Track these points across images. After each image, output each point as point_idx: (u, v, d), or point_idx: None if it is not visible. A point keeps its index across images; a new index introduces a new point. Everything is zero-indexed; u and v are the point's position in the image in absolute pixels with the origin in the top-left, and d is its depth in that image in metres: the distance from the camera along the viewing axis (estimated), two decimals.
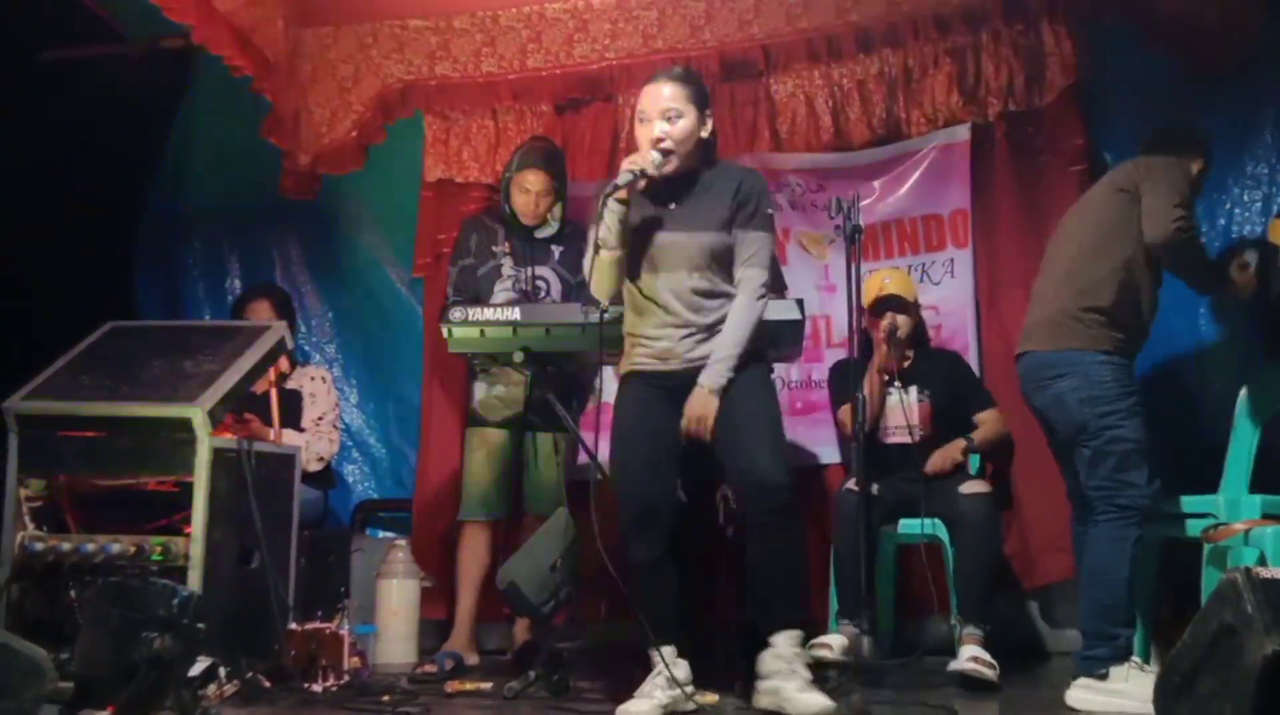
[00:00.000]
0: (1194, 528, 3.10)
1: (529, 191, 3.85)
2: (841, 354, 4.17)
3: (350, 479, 4.92)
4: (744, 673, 2.91)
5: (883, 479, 3.65)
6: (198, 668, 2.68)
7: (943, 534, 3.64)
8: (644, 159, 2.88)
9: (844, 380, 3.70)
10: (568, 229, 3.97)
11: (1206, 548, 3.01)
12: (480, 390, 3.92)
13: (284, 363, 4.12)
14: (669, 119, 2.90)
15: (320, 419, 4.20)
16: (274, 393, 4.00)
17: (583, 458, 3.74)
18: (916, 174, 4.40)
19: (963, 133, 4.30)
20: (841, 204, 3.25)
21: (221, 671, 2.88)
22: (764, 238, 2.95)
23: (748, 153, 4.47)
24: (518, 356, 3.38)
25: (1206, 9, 3.80)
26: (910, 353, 3.88)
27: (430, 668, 3.63)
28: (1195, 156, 3.24)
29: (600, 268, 2.90)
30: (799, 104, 4.49)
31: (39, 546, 3.08)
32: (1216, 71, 3.95)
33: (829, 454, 4.28)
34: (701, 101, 2.96)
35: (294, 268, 5.04)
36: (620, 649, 4.12)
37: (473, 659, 3.87)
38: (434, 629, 4.14)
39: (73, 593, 3.04)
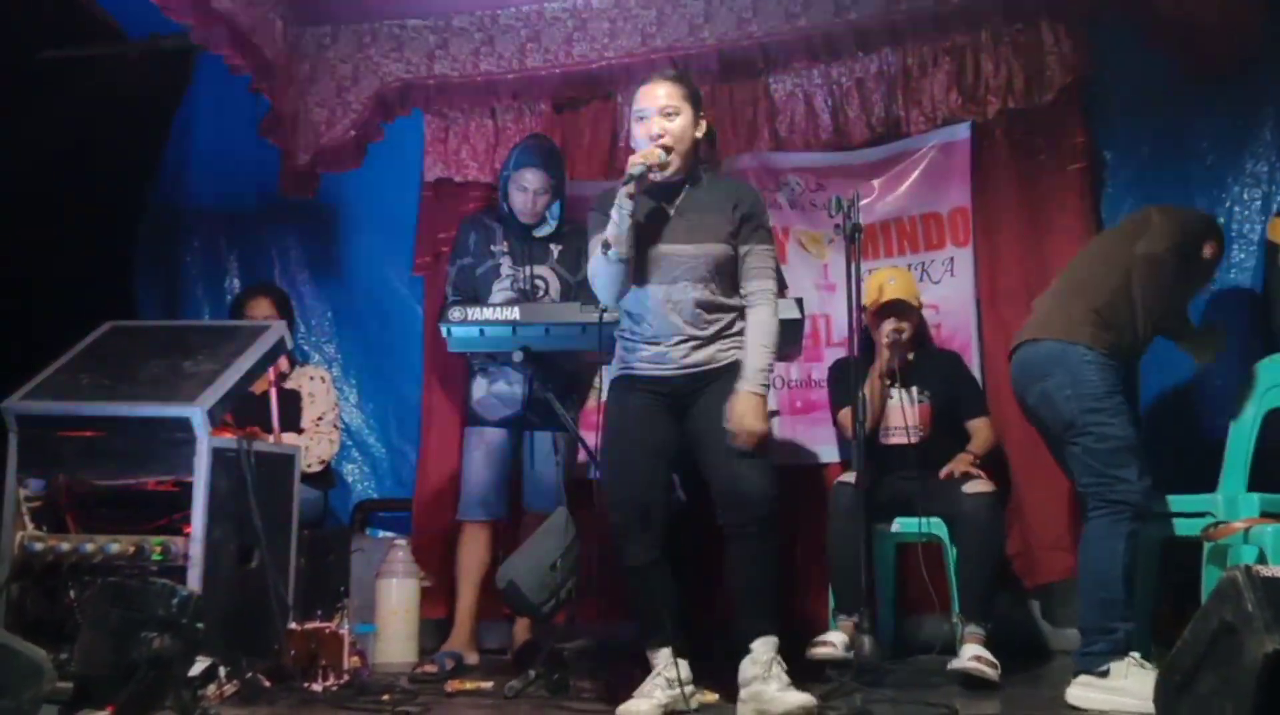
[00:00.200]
0: (1193, 526, 3.10)
1: (527, 190, 3.85)
2: (841, 353, 4.17)
3: (350, 478, 4.91)
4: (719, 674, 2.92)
5: (881, 478, 3.65)
6: (197, 667, 2.68)
7: (942, 533, 3.64)
8: (651, 155, 2.88)
9: (843, 380, 3.71)
10: (566, 228, 3.97)
11: (1206, 546, 3.01)
12: (478, 388, 3.91)
13: (283, 362, 4.12)
14: (667, 116, 2.92)
15: (320, 419, 4.20)
16: (273, 393, 4.00)
17: (582, 456, 3.74)
18: (916, 173, 4.39)
19: (962, 131, 4.29)
20: (841, 203, 3.25)
21: (221, 671, 2.88)
22: (770, 250, 3.03)
23: (747, 152, 4.47)
24: (517, 356, 3.39)
25: (1206, 7, 3.79)
26: (911, 354, 3.88)
27: (430, 667, 3.63)
28: (1209, 240, 3.29)
29: (607, 270, 2.90)
30: (798, 103, 4.49)
31: (38, 546, 3.08)
32: (1216, 70, 3.95)
33: (829, 453, 4.28)
34: (696, 102, 2.98)
35: (293, 267, 5.04)
36: (620, 649, 4.13)
37: (472, 658, 3.87)
38: (434, 628, 4.14)
39: (72, 592, 3.04)
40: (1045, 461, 3.61)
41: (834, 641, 3.49)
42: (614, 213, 2.86)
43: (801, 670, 2.97)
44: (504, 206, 3.93)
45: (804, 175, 4.49)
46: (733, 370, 2.91)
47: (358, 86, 4.56)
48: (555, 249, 3.95)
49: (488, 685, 3.26)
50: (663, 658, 2.89)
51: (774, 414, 3.09)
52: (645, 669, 2.91)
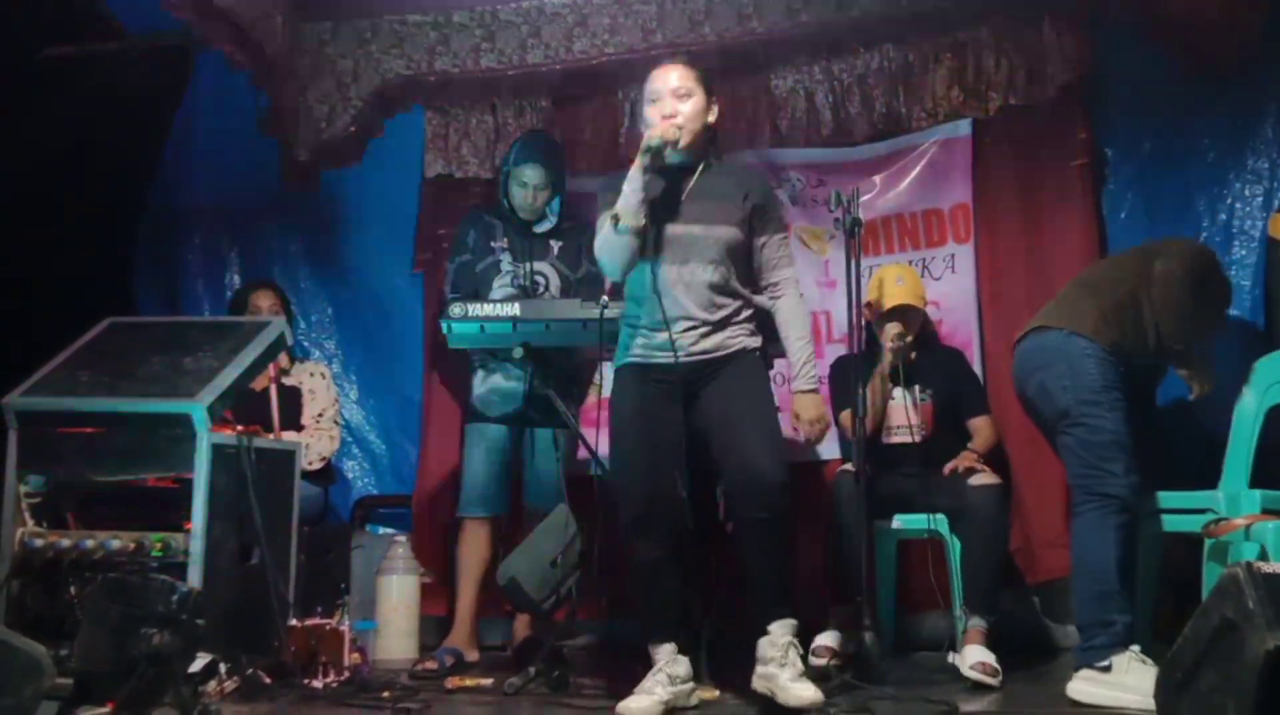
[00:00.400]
0: (1194, 523, 3.09)
1: (527, 185, 3.85)
2: (842, 350, 4.17)
3: (350, 475, 4.91)
4: (743, 667, 2.91)
5: (882, 475, 3.65)
6: (197, 664, 2.67)
7: (944, 529, 3.64)
8: (668, 132, 2.89)
9: (844, 379, 3.70)
10: (566, 224, 3.97)
11: (1207, 543, 3.01)
12: (479, 384, 3.91)
13: (283, 359, 4.11)
14: (680, 98, 2.93)
15: (320, 416, 4.20)
16: (273, 389, 3.99)
17: (583, 453, 3.74)
18: (917, 169, 4.39)
19: (964, 127, 4.29)
20: (841, 198, 3.25)
21: (221, 668, 2.88)
22: (785, 238, 3.06)
23: (748, 148, 4.46)
24: (517, 352, 3.39)
25: (1208, 5, 3.79)
26: (913, 353, 3.87)
27: (430, 664, 3.63)
28: (1219, 278, 3.37)
29: (616, 242, 2.89)
30: (799, 99, 4.48)
31: (39, 543, 3.08)
32: (1218, 67, 3.94)
33: (829, 450, 4.26)
34: (708, 87, 3.00)
35: (293, 263, 5.03)
36: (621, 645, 4.13)
37: (473, 655, 3.87)
38: (434, 625, 4.14)
39: (72, 589, 3.05)
40: (1046, 458, 3.62)
41: (829, 646, 3.48)
42: (625, 186, 2.87)
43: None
44: (504, 202, 3.92)
45: (805, 171, 4.49)
46: (740, 356, 2.92)
47: (358, 82, 4.56)
48: (555, 245, 3.95)
49: (488, 682, 3.26)
50: (665, 654, 2.89)
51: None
52: (646, 665, 2.91)
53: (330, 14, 4.56)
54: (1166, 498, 3.22)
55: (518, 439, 3.90)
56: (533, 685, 3.12)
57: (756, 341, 3.00)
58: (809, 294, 3.89)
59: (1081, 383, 3.02)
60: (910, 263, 4.30)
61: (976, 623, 3.43)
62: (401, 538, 4.16)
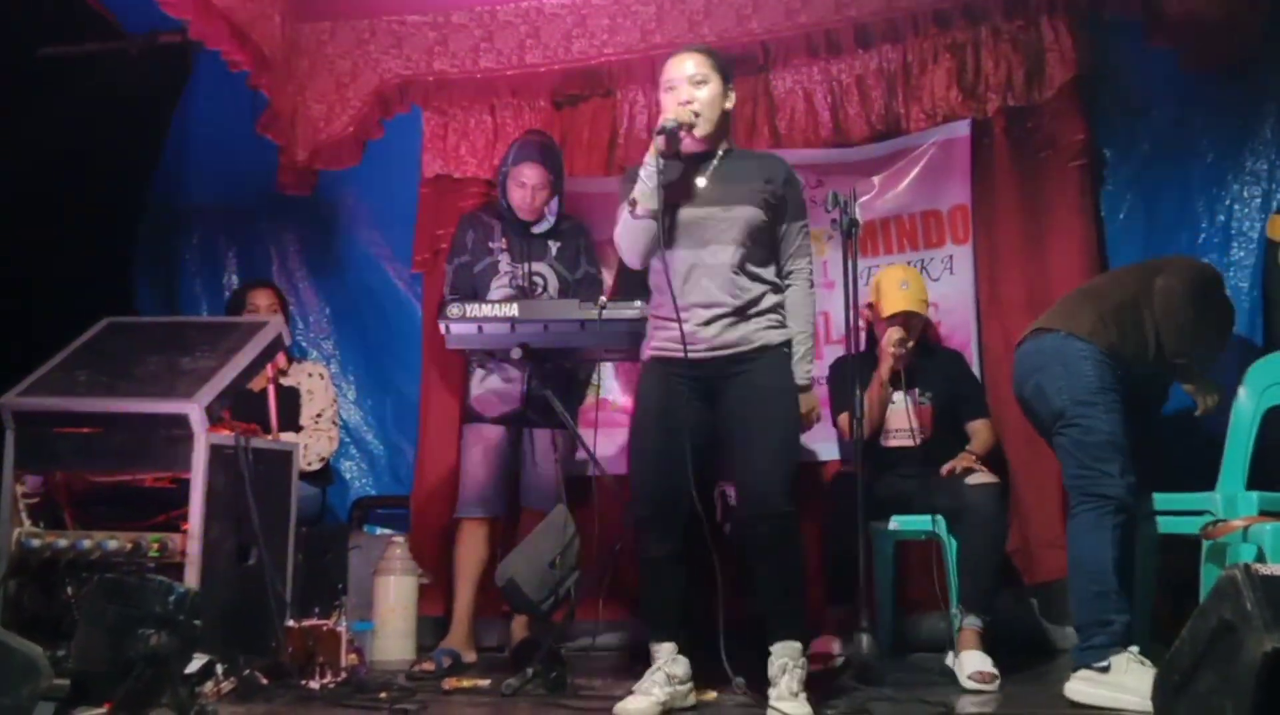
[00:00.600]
0: (1192, 524, 3.10)
1: (525, 185, 3.85)
2: (840, 351, 4.16)
3: (348, 475, 4.91)
4: (743, 670, 2.91)
5: (881, 476, 3.65)
6: (195, 665, 2.67)
7: (942, 530, 3.64)
8: (683, 113, 2.87)
9: (843, 381, 3.69)
10: (564, 224, 3.97)
11: (1205, 545, 3.01)
12: (476, 385, 3.91)
13: (281, 359, 4.11)
14: (696, 84, 2.91)
15: (319, 416, 4.20)
16: (271, 390, 3.99)
17: (581, 454, 3.73)
18: (916, 170, 4.39)
19: (962, 128, 4.29)
20: (838, 198, 3.24)
21: (218, 668, 2.87)
22: (805, 227, 3.03)
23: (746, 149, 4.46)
24: (515, 353, 3.38)
25: (1207, 5, 3.79)
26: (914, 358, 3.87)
27: (428, 665, 3.62)
28: (1223, 297, 3.39)
29: (632, 227, 2.88)
30: (798, 99, 4.48)
31: (35, 543, 3.08)
32: (1216, 67, 3.95)
33: (828, 451, 4.27)
34: (725, 74, 2.98)
35: (291, 264, 5.03)
36: (618, 646, 4.13)
37: (470, 656, 3.87)
38: (432, 626, 4.14)
39: (69, 589, 3.04)
40: (1044, 459, 3.62)
41: (829, 652, 3.47)
42: (641, 171, 2.86)
43: None
44: (502, 203, 3.92)
45: (804, 172, 4.43)
46: (766, 354, 2.88)
47: (356, 83, 4.56)
48: (554, 246, 3.95)
49: (485, 683, 3.25)
50: (664, 653, 2.88)
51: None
52: (643, 665, 2.91)
53: (329, 14, 4.55)
54: (1164, 499, 3.22)
55: (516, 440, 3.89)
56: (530, 686, 3.12)
57: (783, 334, 2.94)
58: None
59: (1077, 384, 3.04)
60: (909, 264, 4.29)
61: (972, 622, 3.43)
62: (399, 538, 4.16)
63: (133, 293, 4.95)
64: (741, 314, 2.88)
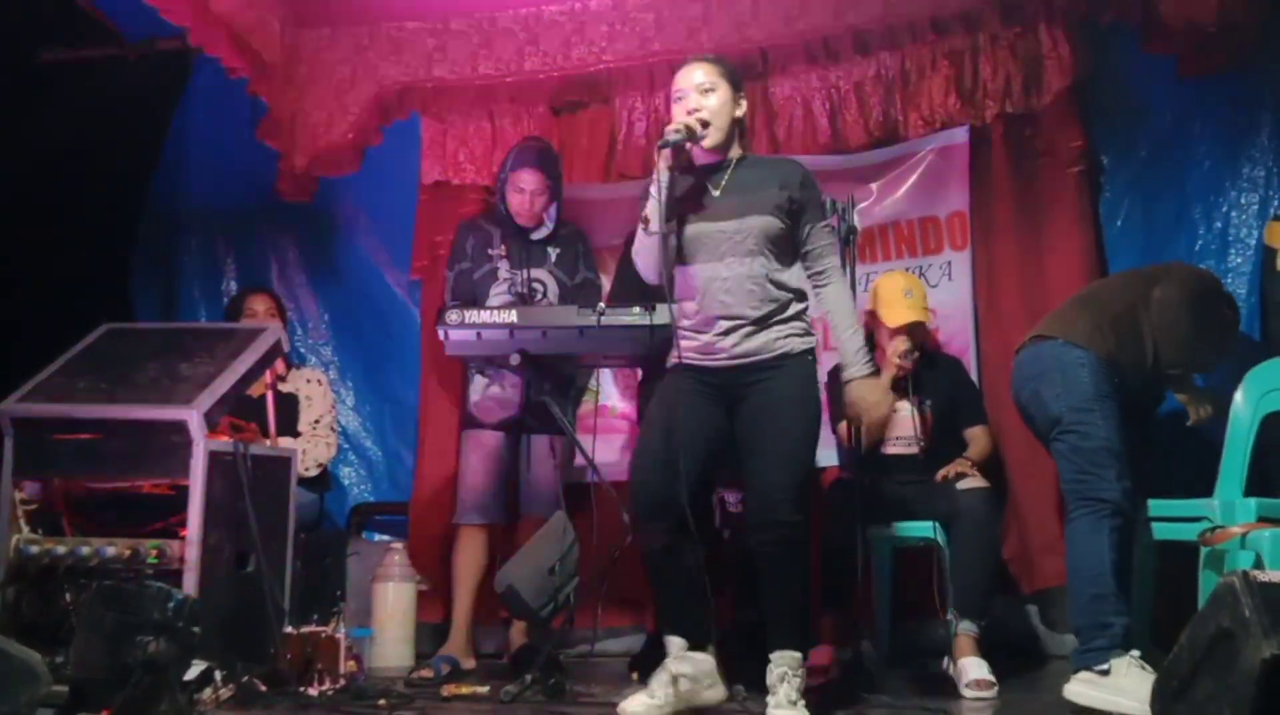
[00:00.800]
0: (1190, 531, 3.10)
1: (524, 191, 3.85)
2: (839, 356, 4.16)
3: (346, 482, 4.91)
4: (742, 673, 2.91)
5: (880, 482, 3.65)
6: (193, 671, 2.67)
7: (940, 537, 3.63)
8: (691, 123, 2.86)
9: (842, 388, 3.67)
10: (563, 231, 3.97)
11: (1203, 551, 3.01)
12: (475, 391, 3.91)
13: (280, 366, 4.11)
14: (704, 93, 2.90)
15: (317, 422, 4.20)
16: (270, 396, 3.99)
17: (580, 460, 3.74)
18: (914, 176, 4.39)
19: (960, 135, 4.30)
20: (837, 205, 3.24)
21: (217, 675, 2.87)
22: (828, 227, 2.99)
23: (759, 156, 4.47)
24: (514, 359, 3.38)
25: (1203, 11, 3.79)
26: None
27: (426, 671, 3.62)
28: (1225, 304, 3.40)
29: (645, 244, 2.89)
30: (796, 107, 4.49)
31: (34, 549, 3.07)
32: (1214, 73, 3.96)
33: (827, 457, 4.26)
34: (735, 82, 2.96)
35: (290, 270, 5.04)
36: (617, 652, 4.13)
37: (469, 663, 3.87)
38: (430, 632, 4.13)
39: (68, 596, 3.03)
40: (1042, 466, 3.62)
41: (821, 665, 3.47)
42: (651, 187, 2.85)
43: None
44: (501, 209, 3.92)
45: None
46: (785, 362, 2.86)
47: (355, 89, 4.56)
48: (553, 252, 3.95)
49: (484, 690, 3.24)
50: (672, 648, 2.86)
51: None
52: (641, 671, 2.90)
53: (328, 21, 4.56)
54: (1162, 506, 3.22)
55: (515, 446, 3.90)
56: (529, 693, 3.11)
57: (808, 342, 2.91)
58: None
59: (1074, 391, 3.04)
60: (907, 270, 4.30)
61: (967, 628, 3.43)
62: (398, 545, 4.16)
63: (131, 298, 4.95)
64: (762, 324, 2.86)
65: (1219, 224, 4.06)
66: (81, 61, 4.67)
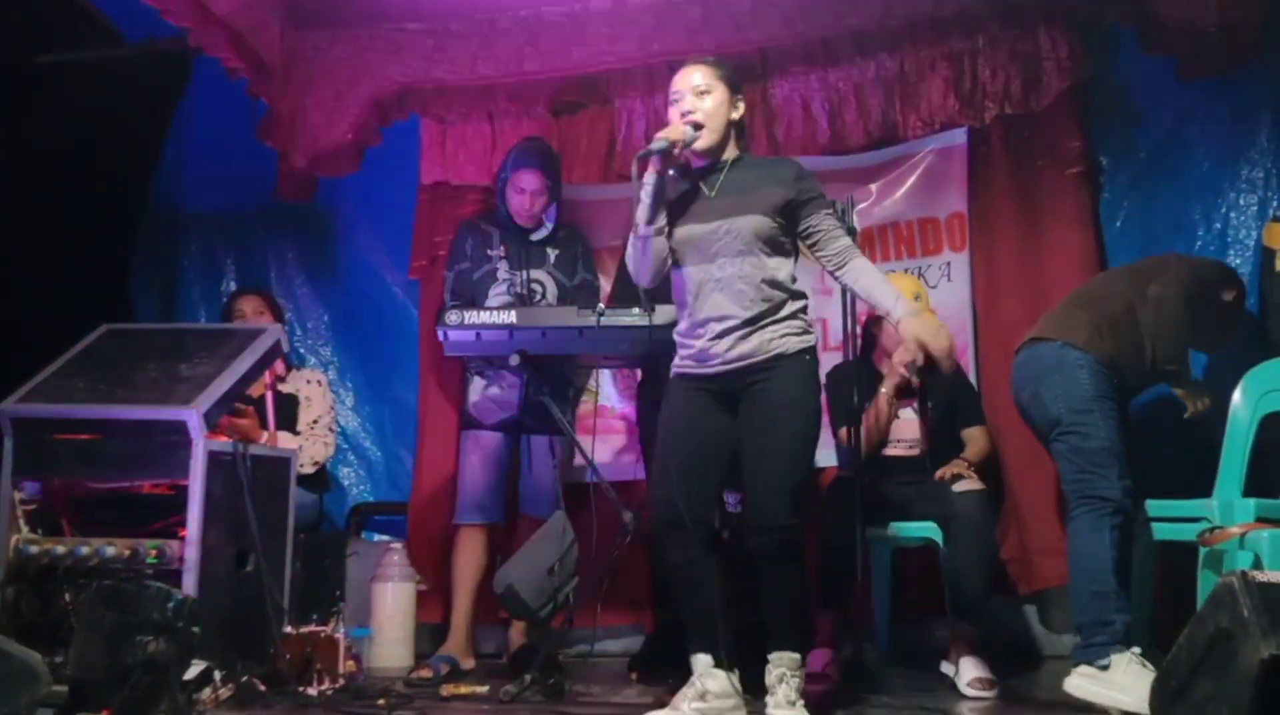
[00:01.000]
0: (1189, 531, 3.10)
1: (524, 191, 3.85)
2: (838, 358, 4.16)
3: (346, 482, 4.91)
4: (742, 674, 2.91)
5: (878, 483, 3.65)
6: (192, 671, 2.67)
7: (938, 538, 3.64)
8: (675, 131, 2.86)
9: (843, 391, 3.69)
10: (562, 232, 3.97)
11: (1202, 551, 3.01)
12: (475, 391, 3.91)
13: (280, 366, 4.11)
14: (699, 95, 2.90)
15: (315, 422, 4.20)
16: (270, 396, 3.99)
17: (579, 460, 3.74)
18: (913, 177, 4.40)
19: (959, 136, 4.30)
20: (836, 206, 3.25)
21: (216, 675, 2.87)
22: (831, 212, 2.95)
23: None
24: (514, 359, 3.38)
25: (1202, 13, 3.80)
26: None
27: (425, 671, 3.63)
28: (1227, 287, 3.38)
29: (635, 247, 2.89)
30: (795, 108, 4.49)
31: (33, 549, 3.07)
32: (1213, 75, 3.96)
33: (826, 457, 4.26)
34: (732, 84, 2.96)
35: (290, 270, 5.04)
36: (616, 652, 4.13)
37: (468, 663, 3.87)
38: (430, 632, 4.14)
39: (67, 596, 3.03)
40: (1041, 466, 3.63)
41: (817, 670, 3.47)
42: (640, 192, 2.84)
43: None
44: (501, 209, 3.93)
45: None
46: (780, 363, 2.84)
47: (355, 90, 4.55)
48: (552, 253, 3.95)
49: (483, 690, 3.25)
50: (699, 665, 2.82)
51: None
52: (640, 673, 2.90)
53: (328, 22, 4.55)
54: (1162, 506, 3.23)
55: (514, 446, 3.90)
56: (528, 693, 3.12)
57: (804, 342, 2.88)
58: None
59: (1074, 393, 3.05)
60: (906, 271, 4.31)
61: (964, 628, 3.43)
62: (397, 545, 4.16)
63: (131, 299, 4.95)
64: (755, 324, 2.84)
65: (1218, 225, 4.07)
66: (81, 62, 4.67)
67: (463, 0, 4.45)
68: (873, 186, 4.43)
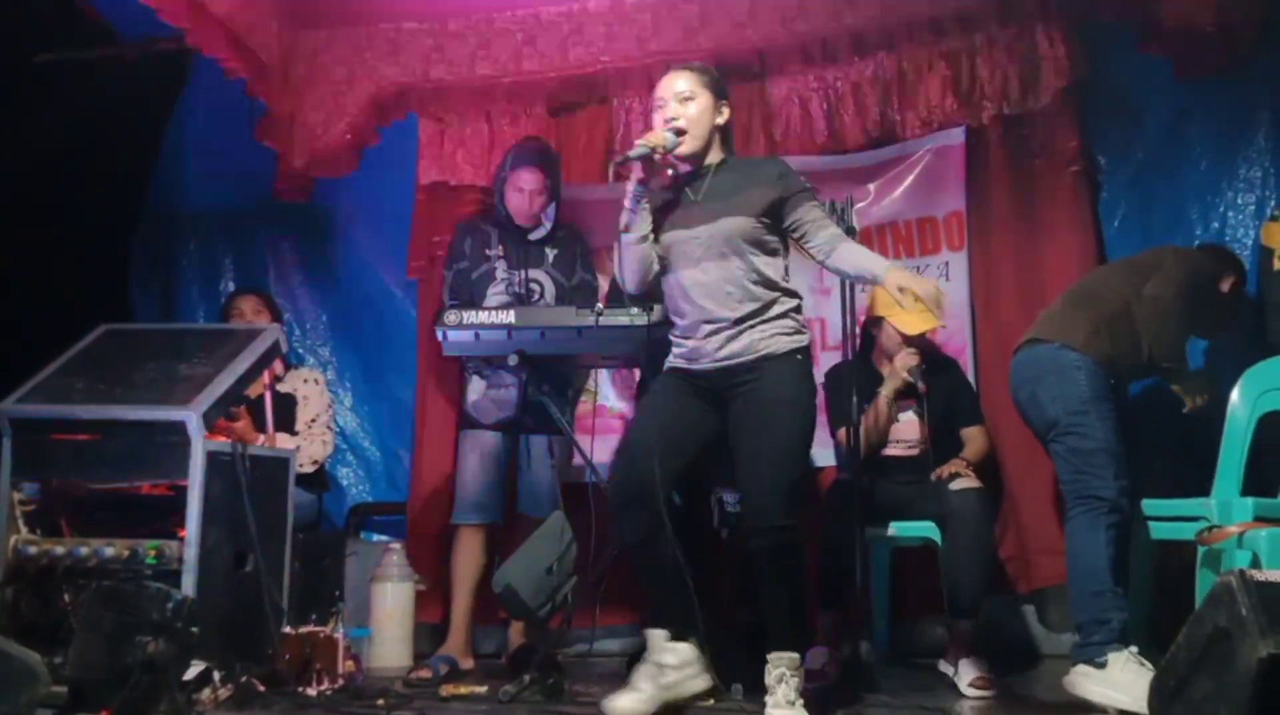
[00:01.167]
0: (1188, 530, 3.10)
1: (523, 190, 3.85)
2: (837, 357, 4.17)
3: (344, 482, 4.91)
4: (740, 677, 2.91)
5: (877, 483, 3.65)
6: (192, 672, 2.68)
7: (936, 537, 3.64)
8: (657, 137, 2.87)
9: (841, 392, 3.69)
10: (561, 232, 3.97)
11: (1200, 550, 3.02)
12: (473, 391, 3.91)
13: (278, 366, 4.11)
14: (683, 101, 2.92)
15: (313, 421, 4.20)
16: (268, 396, 3.99)
17: (578, 460, 3.74)
18: (911, 177, 4.40)
19: (957, 135, 4.31)
20: (835, 206, 3.25)
21: (215, 675, 2.87)
22: (817, 204, 2.95)
23: (742, 156, 4.47)
24: (512, 359, 3.39)
25: (1200, 12, 3.80)
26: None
27: (425, 671, 3.63)
28: (1225, 275, 3.38)
29: (622, 253, 2.91)
30: (794, 107, 4.49)
31: (32, 550, 3.07)
32: (1211, 74, 3.97)
33: (824, 457, 4.27)
34: (717, 89, 2.98)
35: (288, 270, 5.04)
36: (615, 652, 4.13)
37: (467, 663, 3.87)
38: (429, 632, 4.13)
39: (67, 596, 3.03)
40: (1040, 466, 3.63)
41: (815, 669, 3.48)
42: (625, 199, 2.86)
43: None
44: (500, 209, 3.93)
45: None
46: (769, 362, 2.84)
47: (354, 90, 4.55)
48: (551, 253, 3.95)
49: (482, 690, 3.25)
50: (654, 640, 2.87)
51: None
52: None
53: (326, 22, 4.55)
54: (1160, 505, 3.23)
55: (512, 446, 3.90)
56: (527, 693, 3.12)
57: (796, 342, 2.88)
58: (805, 301, 3.90)
59: (1071, 394, 3.06)
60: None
61: (961, 627, 3.44)
62: (396, 545, 4.15)
63: (129, 297, 4.95)
64: (743, 324, 2.86)
65: (1216, 224, 4.07)
66: (79, 62, 4.67)
67: (461, 0, 4.45)
68: (871, 186, 4.43)
